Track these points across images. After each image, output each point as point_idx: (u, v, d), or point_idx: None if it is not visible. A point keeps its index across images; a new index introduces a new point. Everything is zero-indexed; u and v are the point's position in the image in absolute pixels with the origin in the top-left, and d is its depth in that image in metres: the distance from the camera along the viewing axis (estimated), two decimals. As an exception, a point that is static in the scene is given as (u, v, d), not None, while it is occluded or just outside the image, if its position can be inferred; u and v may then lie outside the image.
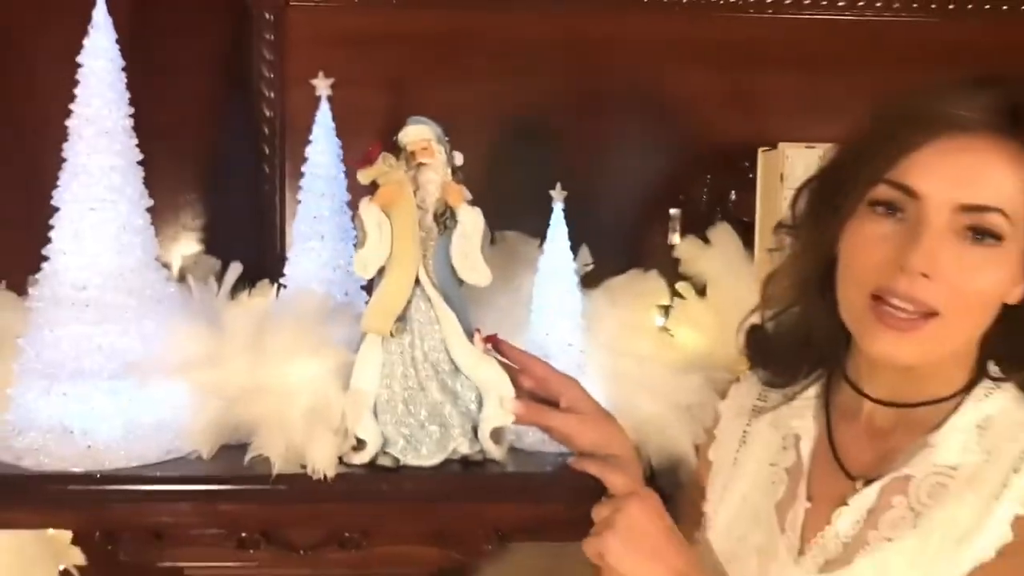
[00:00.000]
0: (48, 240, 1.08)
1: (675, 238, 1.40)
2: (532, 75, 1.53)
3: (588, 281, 1.28)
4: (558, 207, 1.17)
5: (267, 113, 1.52)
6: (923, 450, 0.88)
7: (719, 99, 1.45)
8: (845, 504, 0.90)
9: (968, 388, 0.90)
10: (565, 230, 1.18)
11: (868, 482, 0.90)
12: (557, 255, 1.18)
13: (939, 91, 0.86)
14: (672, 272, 1.35)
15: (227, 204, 1.59)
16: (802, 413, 0.98)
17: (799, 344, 0.98)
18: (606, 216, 1.46)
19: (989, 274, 0.83)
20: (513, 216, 1.33)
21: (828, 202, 0.90)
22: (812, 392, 0.99)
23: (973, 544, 0.82)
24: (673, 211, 1.23)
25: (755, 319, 1.03)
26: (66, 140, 1.07)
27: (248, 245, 1.46)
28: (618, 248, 1.39)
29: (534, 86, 1.53)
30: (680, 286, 1.31)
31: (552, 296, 1.18)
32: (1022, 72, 0.86)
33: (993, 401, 0.89)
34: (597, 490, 1.02)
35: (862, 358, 0.94)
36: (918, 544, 0.85)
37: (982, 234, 0.82)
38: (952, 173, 0.83)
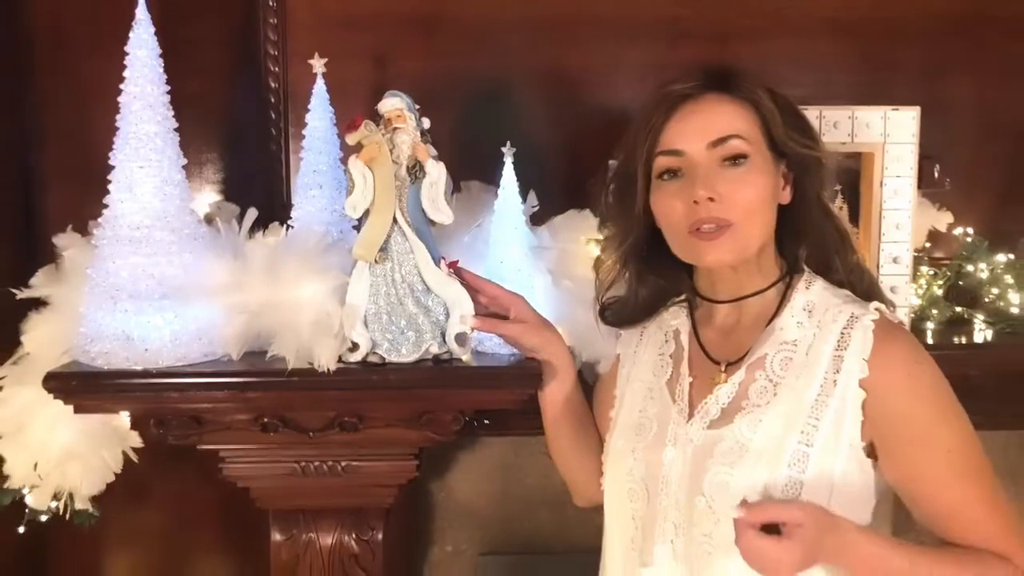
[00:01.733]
0: (104, 192, 1.33)
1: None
2: (493, 50, 1.79)
3: (536, 219, 1.55)
4: (508, 161, 1.44)
5: (273, 85, 1.77)
6: (771, 334, 1.16)
7: (649, 69, 1.71)
8: (717, 382, 1.18)
9: (782, 279, 1.19)
10: (515, 179, 1.45)
11: (729, 364, 1.18)
12: (508, 199, 1.45)
13: (672, 81, 1.16)
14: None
15: (242, 161, 1.83)
16: (677, 315, 1.28)
17: (649, 293, 1.28)
18: (554, 167, 1.73)
19: (752, 184, 1.12)
20: (477, 168, 1.58)
21: (628, 192, 1.20)
22: (682, 300, 1.29)
23: (830, 406, 1.09)
24: (611, 162, 1.49)
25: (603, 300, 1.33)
26: (118, 113, 1.32)
27: (260, 194, 1.70)
28: (566, 193, 1.63)
29: (494, 59, 1.79)
30: (608, 224, 1.57)
31: (505, 232, 1.45)
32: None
33: (812, 291, 1.18)
34: (534, 377, 1.32)
35: (703, 278, 1.24)
36: (779, 405, 1.12)
37: (732, 158, 1.12)
38: (696, 126, 1.13)
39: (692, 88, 1.14)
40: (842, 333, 1.12)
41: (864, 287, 1.21)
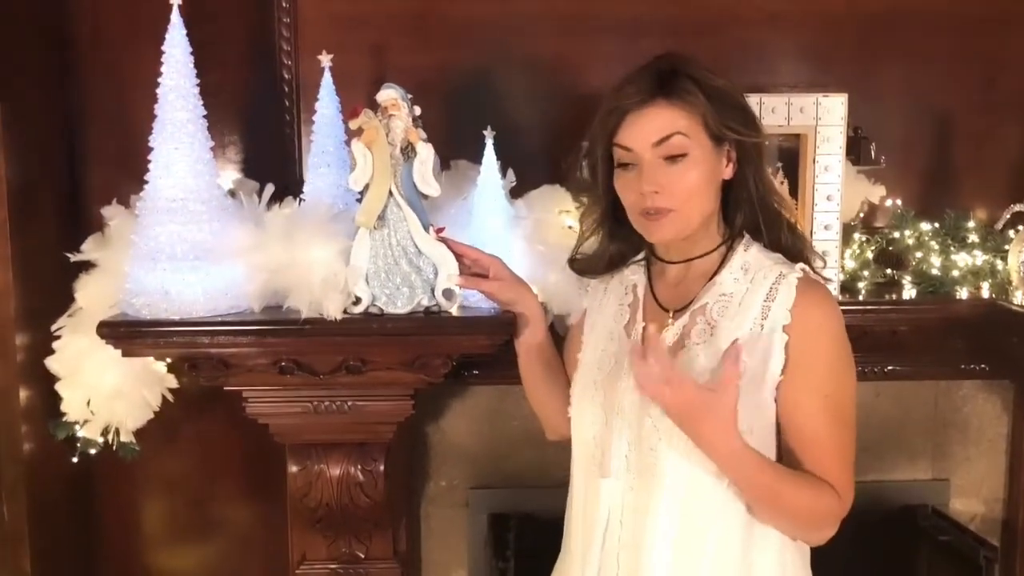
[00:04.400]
0: (138, 171, 1.54)
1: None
2: (478, 44, 1.99)
3: (514, 193, 1.77)
4: (489, 142, 1.66)
5: (286, 76, 1.98)
6: (712, 287, 1.36)
7: (614, 60, 1.88)
8: (665, 325, 1.37)
9: (724, 243, 1.37)
10: (495, 158, 1.67)
11: (676, 312, 1.38)
12: (489, 176, 1.68)
13: (622, 86, 1.32)
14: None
15: (260, 143, 2.04)
16: (636, 271, 1.48)
17: (615, 252, 1.47)
18: (531, 147, 1.93)
19: (690, 176, 1.30)
20: (464, 148, 1.79)
21: (594, 174, 1.39)
22: (640, 260, 1.48)
23: (758, 347, 1.27)
24: (584, 143, 1.66)
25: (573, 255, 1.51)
26: (151, 101, 1.52)
27: (276, 172, 1.88)
28: (541, 170, 1.84)
29: (479, 52, 1.99)
30: (582, 196, 1.78)
31: (486, 204, 1.68)
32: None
33: (750, 253, 1.36)
34: (508, 325, 1.52)
35: (657, 243, 1.43)
36: (714, 344, 1.31)
37: (674, 155, 1.30)
38: (641, 128, 1.30)
39: (636, 103, 1.30)
40: (771, 288, 1.30)
41: (794, 251, 1.37)
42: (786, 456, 1.30)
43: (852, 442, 1.30)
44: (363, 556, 1.89)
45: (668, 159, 1.30)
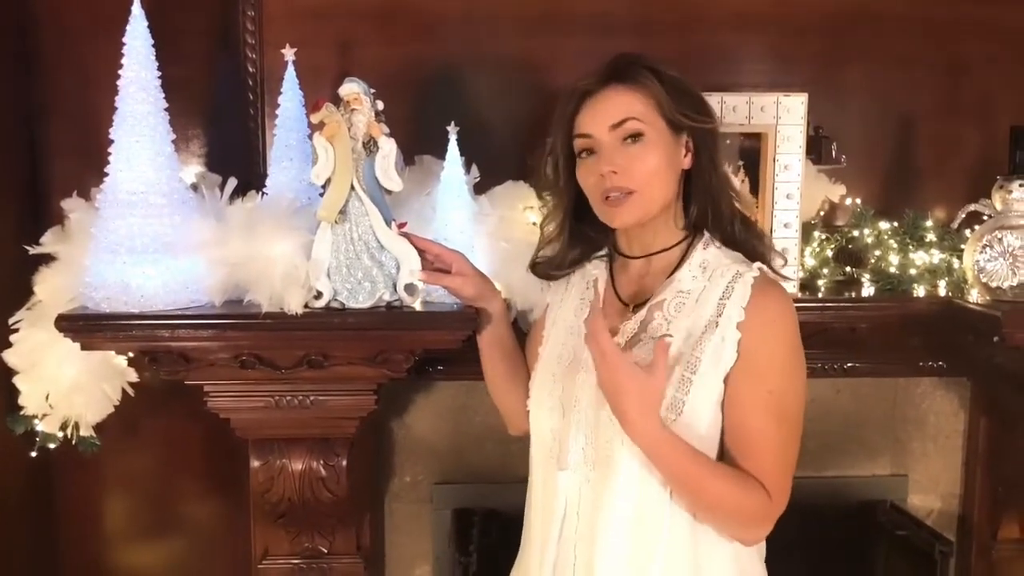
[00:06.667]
0: (99, 164, 1.53)
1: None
2: (443, 39, 2.00)
3: (478, 188, 1.77)
4: (453, 138, 1.67)
5: (251, 70, 1.98)
6: (670, 283, 1.37)
7: (581, 57, 1.88)
8: (627, 319, 1.38)
9: (685, 240, 1.39)
10: (458, 154, 1.67)
11: (636, 307, 1.39)
12: (452, 171, 1.68)
13: (585, 77, 1.35)
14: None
15: (224, 136, 2.04)
16: (598, 266, 1.49)
17: (575, 255, 1.48)
18: (496, 143, 1.94)
19: (648, 157, 1.32)
20: (429, 143, 1.80)
21: (555, 168, 1.41)
22: (603, 255, 1.50)
23: (711, 343, 1.28)
24: (549, 140, 1.68)
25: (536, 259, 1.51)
26: (114, 94, 1.51)
27: (239, 166, 1.87)
28: (506, 166, 1.86)
29: (444, 47, 2.00)
30: (545, 193, 1.79)
31: (450, 200, 1.68)
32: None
33: (709, 251, 1.38)
34: (470, 320, 1.53)
35: (621, 236, 1.44)
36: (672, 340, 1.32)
37: (630, 136, 1.32)
38: (598, 113, 1.33)
39: (594, 84, 1.34)
40: (727, 286, 1.31)
41: (747, 246, 1.38)
42: (726, 455, 1.30)
43: (793, 444, 1.30)
44: (326, 551, 1.90)
45: (626, 142, 1.32)
